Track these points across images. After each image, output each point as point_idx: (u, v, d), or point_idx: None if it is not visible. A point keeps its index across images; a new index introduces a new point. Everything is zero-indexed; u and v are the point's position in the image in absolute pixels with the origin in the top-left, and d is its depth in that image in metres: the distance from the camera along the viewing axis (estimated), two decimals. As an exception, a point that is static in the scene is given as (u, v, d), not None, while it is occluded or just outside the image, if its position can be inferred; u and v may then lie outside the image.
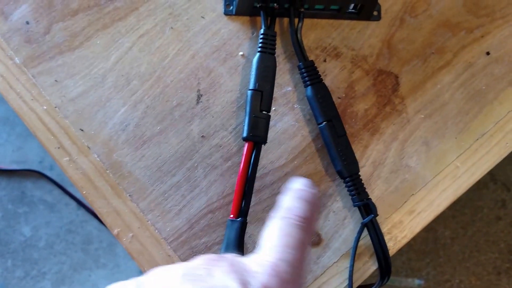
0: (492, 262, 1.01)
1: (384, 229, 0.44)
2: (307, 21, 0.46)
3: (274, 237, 0.33)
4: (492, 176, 1.03)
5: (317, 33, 0.46)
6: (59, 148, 0.43)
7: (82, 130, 0.44)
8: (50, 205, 1.01)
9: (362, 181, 0.44)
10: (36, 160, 1.02)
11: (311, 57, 0.46)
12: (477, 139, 0.46)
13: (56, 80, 0.44)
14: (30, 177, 1.02)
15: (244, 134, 0.43)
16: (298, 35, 0.45)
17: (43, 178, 1.02)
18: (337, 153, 0.43)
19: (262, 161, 0.44)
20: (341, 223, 0.44)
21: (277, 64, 0.45)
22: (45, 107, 0.44)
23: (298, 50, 0.45)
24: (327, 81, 0.46)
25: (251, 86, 0.43)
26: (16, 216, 1.01)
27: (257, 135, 0.43)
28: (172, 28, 0.46)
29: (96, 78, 0.45)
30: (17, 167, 1.02)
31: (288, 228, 0.34)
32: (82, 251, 0.99)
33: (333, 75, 0.46)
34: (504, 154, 0.46)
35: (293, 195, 0.36)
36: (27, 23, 0.45)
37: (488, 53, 0.47)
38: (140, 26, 0.46)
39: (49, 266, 1.00)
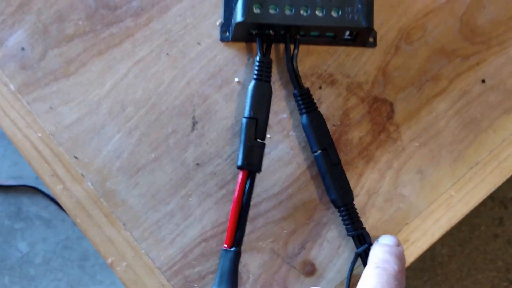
0: (490, 281, 1.01)
1: (378, 257, 0.44)
2: (303, 47, 0.47)
3: (373, 282, 0.38)
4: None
5: (313, 59, 0.47)
6: (53, 176, 0.44)
7: (76, 157, 0.44)
8: (46, 221, 1.01)
9: (357, 210, 0.44)
10: (33, 176, 1.02)
11: (307, 84, 0.46)
12: (472, 168, 0.46)
13: (50, 107, 0.44)
14: (26, 192, 1.02)
15: (239, 163, 0.43)
16: (294, 63, 0.45)
17: (39, 194, 1.02)
18: (331, 182, 0.43)
19: (257, 189, 0.44)
20: (335, 252, 0.44)
21: (273, 91, 0.45)
22: (39, 134, 0.44)
23: (294, 78, 0.45)
24: (323, 108, 0.46)
25: (246, 114, 0.43)
26: (13, 232, 1.01)
27: (251, 164, 0.43)
28: (168, 54, 0.46)
29: (91, 104, 0.45)
30: (13, 182, 1.02)
31: (386, 277, 0.38)
32: (79, 268, 0.99)
33: (328, 102, 0.46)
34: (498, 183, 0.46)
35: (386, 250, 0.41)
36: (22, 49, 0.45)
37: (483, 81, 0.47)
38: (136, 53, 0.46)
39: (45, 283, 1.00)
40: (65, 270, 0.99)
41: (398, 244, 0.42)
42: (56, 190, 0.43)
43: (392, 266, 0.39)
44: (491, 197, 1.03)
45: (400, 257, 0.41)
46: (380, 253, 0.41)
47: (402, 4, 0.48)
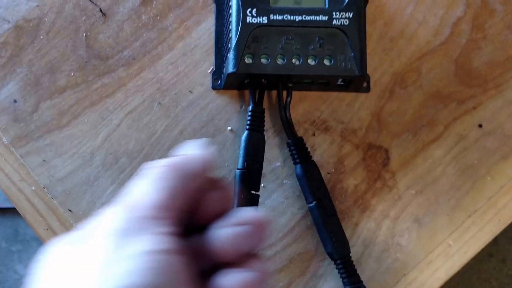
0: (484, 301, 1.01)
1: (375, 308, 0.44)
2: (295, 94, 0.47)
3: None
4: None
5: (306, 105, 0.47)
6: (47, 229, 0.44)
7: (70, 210, 0.44)
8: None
9: (354, 263, 0.44)
10: (28, 197, 1.04)
11: (300, 131, 0.46)
12: (470, 216, 0.46)
13: (44, 160, 0.45)
14: None
15: (232, 215, 0.43)
16: (287, 112, 0.45)
17: (35, 214, 1.03)
18: (327, 234, 0.44)
19: (251, 240, 0.44)
20: (331, 304, 0.44)
21: (266, 139, 0.45)
22: (33, 188, 0.44)
23: (287, 127, 0.45)
24: (317, 155, 0.46)
25: (239, 165, 0.44)
26: (10, 254, 1.03)
27: (245, 216, 0.43)
28: (160, 103, 0.46)
29: (85, 156, 0.45)
30: (10, 205, 1.02)
31: None
32: (75, 291, 1.00)
33: (322, 150, 0.46)
34: (497, 231, 0.46)
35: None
36: (15, 101, 0.45)
37: (480, 125, 0.47)
38: (128, 103, 0.46)
39: (43, 306, 1.01)
40: (62, 293, 1.00)
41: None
42: (49, 244, 0.44)
43: None
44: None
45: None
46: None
47: (395, 47, 0.48)
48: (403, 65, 0.48)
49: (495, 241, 1.01)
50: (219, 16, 0.48)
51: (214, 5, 0.48)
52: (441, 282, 0.45)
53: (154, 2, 0.47)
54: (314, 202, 0.44)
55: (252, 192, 0.43)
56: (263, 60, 0.43)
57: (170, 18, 0.47)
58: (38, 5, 0.46)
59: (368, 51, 0.47)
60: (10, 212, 1.03)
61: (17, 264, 1.03)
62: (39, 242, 1.00)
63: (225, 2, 0.46)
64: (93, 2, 0.47)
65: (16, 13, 0.46)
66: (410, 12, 0.49)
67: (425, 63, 0.48)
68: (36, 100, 0.45)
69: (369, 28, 0.48)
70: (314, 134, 0.47)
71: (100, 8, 0.47)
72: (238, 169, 0.44)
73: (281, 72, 0.43)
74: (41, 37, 0.46)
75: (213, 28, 0.47)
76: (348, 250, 0.44)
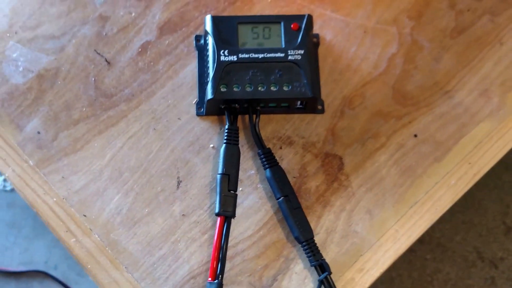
0: None
1: (339, 286, 0.60)
2: (264, 117, 0.65)
3: None
4: (478, 254, 1.18)
5: (273, 126, 0.64)
6: (67, 231, 0.60)
7: (85, 215, 0.60)
8: (56, 304, 1.16)
9: (317, 245, 0.59)
10: (42, 261, 1.19)
11: (269, 145, 0.63)
12: (411, 207, 0.62)
13: (63, 177, 0.61)
14: (37, 277, 1.17)
15: (216, 210, 0.59)
16: (256, 128, 0.63)
17: (48, 278, 1.17)
18: (293, 222, 0.60)
19: (234, 233, 0.60)
20: (303, 282, 0.60)
21: (242, 152, 0.62)
22: (55, 199, 0.61)
23: (257, 140, 0.62)
24: (284, 164, 0.63)
25: (220, 171, 0.61)
26: None
27: (227, 211, 0.59)
28: (154, 129, 0.63)
29: (95, 173, 0.62)
30: (24, 268, 1.17)
31: None
32: None
33: (288, 159, 0.63)
34: (434, 218, 0.62)
35: None
36: (38, 132, 0.63)
37: (415, 136, 0.65)
38: (129, 129, 0.64)
39: None
40: None
41: None
42: (70, 242, 0.59)
43: None
44: (481, 258, 1.17)
45: None
46: None
47: (343, 78, 0.66)
48: (351, 91, 0.66)
49: (492, 282, 1.16)
50: (201, 60, 0.67)
51: (196, 52, 0.66)
52: (391, 260, 0.61)
53: (148, 52, 0.66)
54: (282, 197, 0.61)
55: (231, 191, 0.60)
56: (235, 88, 0.61)
57: (161, 63, 0.66)
58: (55, 58, 0.65)
59: (321, 81, 0.66)
60: (24, 275, 1.17)
61: (32, 327, 1.17)
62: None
63: (204, 46, 0.64)
64: (99, 54, 0.65)
65: (38, 64, 0.65)
66: (354, 51, 0.68)
67: (368, 89, 0.66)
68: (56, 131, 0.63)
69: (321, 64, 0.66)
70: (281, 148, 0.64)
71: (105, 58, 0.65)
72: (219, 174, 0.60)
73: (250, 96, 0.61)
74: (59, 82, 0.65)
75: (195, 69, 0.66)
76: (311, 234, 0.60)
